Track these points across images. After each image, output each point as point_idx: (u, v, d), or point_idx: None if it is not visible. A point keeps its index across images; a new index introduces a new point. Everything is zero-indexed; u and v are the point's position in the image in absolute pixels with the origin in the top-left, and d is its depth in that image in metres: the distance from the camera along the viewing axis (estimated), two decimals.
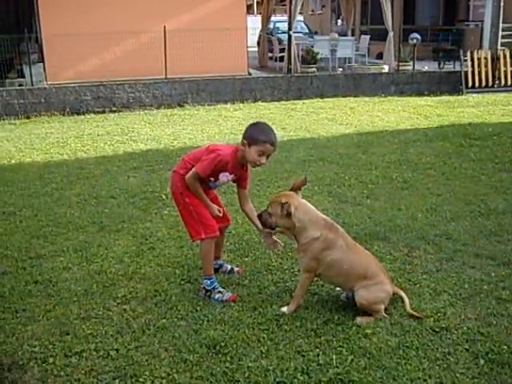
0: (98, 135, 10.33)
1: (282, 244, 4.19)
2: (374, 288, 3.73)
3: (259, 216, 4.03)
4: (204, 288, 4.11)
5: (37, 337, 3.59)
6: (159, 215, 5.91)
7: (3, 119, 12.30)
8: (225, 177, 4.05)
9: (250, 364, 3.27)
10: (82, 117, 12.59)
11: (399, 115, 11.85)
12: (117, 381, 3.15)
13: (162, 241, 5.19)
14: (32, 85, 12.95)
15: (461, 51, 15.17)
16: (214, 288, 4.09)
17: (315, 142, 9.24)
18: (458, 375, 3.15)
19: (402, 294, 3.90)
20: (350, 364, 3.25)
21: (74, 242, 5.22)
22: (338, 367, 3.23)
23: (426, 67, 16.54)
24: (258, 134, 3.90)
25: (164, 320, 3.78)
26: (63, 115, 12.71)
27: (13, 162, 8.51)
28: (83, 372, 3.23)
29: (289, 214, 3.76)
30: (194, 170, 3.95)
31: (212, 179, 4.05)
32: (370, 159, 8.02)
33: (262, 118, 11.58)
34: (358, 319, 3.72)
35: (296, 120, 11.43)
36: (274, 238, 4.12)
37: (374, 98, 14.26)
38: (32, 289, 4.26)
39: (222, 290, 4.09)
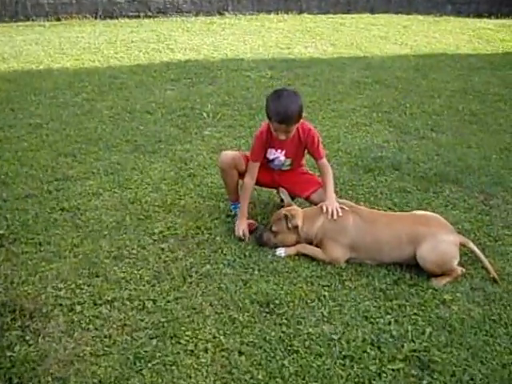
0: (133, 42, 9.58)
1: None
2: (432, 245, 3.17)
3: (258, 238, 3.52)
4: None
5: (62, 277, 3.11)
6: (200, 136, 5.34)
7: (32, 20, 11.53)
8: (272, 154, 3.70)
9: (310, 330, 2.77)
10: (116, 21, 11.74)
11: (458, 38, 10.81)
12: (154, 341, 2.66)
13: (204, 167, 4.64)
14: None
15: None
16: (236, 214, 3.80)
17: (369, 62, 8.41)
18: None
19: (472, 245, 3.30)
20: (429, 339, 2.73)
21: (106, 162, 4.70)
22: (414, 342, 2.71)
23: None
24: (268, 107, 3.48)
25: (208, 265, 3.27)
26: (95, 18, 11.88)
27: (41, 67, 7.88)
28: (115, 327, 2.75)
29: (296, 227, 3.39)
30: None
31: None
32: (432, 85, 7.22)
33: (309, 31, 10.71)
34: (434, 281, 3.18)
35: (346, 36, 10.46)
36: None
37: (429, 18, 13.07)
38: (58, 217, 3.77)
39: None
